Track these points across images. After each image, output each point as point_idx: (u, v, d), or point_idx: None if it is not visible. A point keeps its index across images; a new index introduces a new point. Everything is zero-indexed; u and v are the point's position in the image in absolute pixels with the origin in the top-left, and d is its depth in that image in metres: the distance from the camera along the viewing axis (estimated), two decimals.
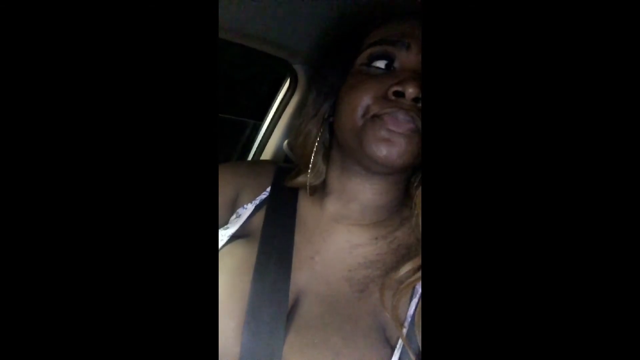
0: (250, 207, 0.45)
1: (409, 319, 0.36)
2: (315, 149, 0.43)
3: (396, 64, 0.38)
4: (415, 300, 0.36)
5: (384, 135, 0.35)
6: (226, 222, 0.45)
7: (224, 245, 0.42)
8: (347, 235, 0.42)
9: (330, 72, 0.44)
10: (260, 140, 0.81)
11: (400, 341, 0.34)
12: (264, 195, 0.46)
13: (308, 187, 0.44)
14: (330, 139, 0.44)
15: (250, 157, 0.83)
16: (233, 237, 0.43)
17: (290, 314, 0.37)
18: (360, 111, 0.37)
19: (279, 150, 0.78)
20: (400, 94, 0.36)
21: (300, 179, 0.44)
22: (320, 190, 0.45)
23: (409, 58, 0.38)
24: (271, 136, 0.79)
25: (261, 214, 0.44)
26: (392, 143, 0.35)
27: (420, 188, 0.38)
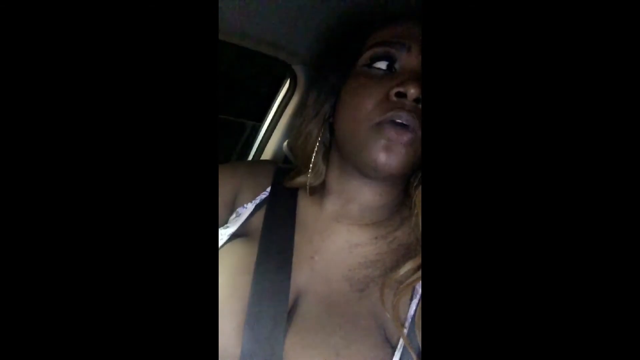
0: (250, 207, 0.45)
1: (409, 319, 0.36)
2: (316, 150, 0.43)
3: (397, 65, 0.39)
4: (415, 300, 0.36)
5: (384, 144, 0.36)
6: (226, 222, 0.45)
7: (223, 244, 0.42)
8: (346, 235, 0.42)
9: (332, 72, 0.44)
10: (260, 141, 0.81)
11: (401, 341, 0.34)
12: (263, 195, 0.46)
13: (308, 188, 0.44)
14: (330, 140, 0.44)
15: (249, 158, 0.83)
16: (233, 236, 0.43)
17: (290, 314, 0.37)
18: (362, 115, 0.37)
19: (278, 151, 0.78)
20: (402, 95, 0.36)
21: (300, 179, 0.44)
22: (319, 191, 0.45)
23: (409, 59, 0.38)
24: (271, 137, 0.79)
25: (261, 214, 0.45)
26: (392, 152, 0.36)
27: (420, 188, 0.38)
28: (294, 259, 0.41)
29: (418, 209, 0.38)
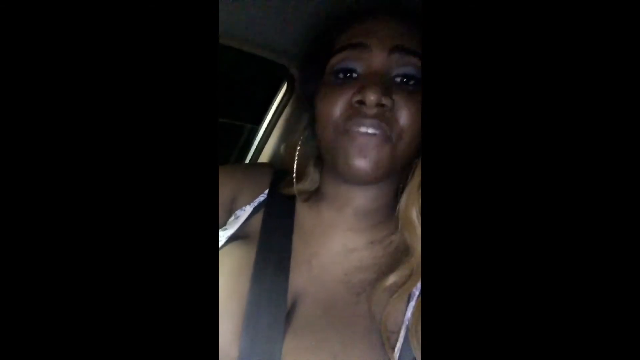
0: (248, 209, 0.45)
1: (405, 322, 0.36)
2: (297, 160, 0.43)
3: (359, 69, 0.38)
4: (412, 304, 0.36)
5: (354, 151, 0.36)
6: (224, 224, 0.45)
7: (222, 246, 0.43)
8: (343, 240, 0.42)
9: (306, 81, 0.43)
10: (258, 144, 0.81)
11: (398, 344, 0.35)
12: (261, 197, 0.46)
13: (299, 195, 0.44)
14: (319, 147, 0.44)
15: (247, 161, 0.83)
16: (231, 238, 0.43)
17: (288, 316, 0.37)
18: (330, 125, 0.37)
19: (276, 154, 0.78)
20: (362, 102, 0.35)
21: (293, 187, 0.44)
22: (315, 196, 0.45)
23: (370, 60, 0.37)
24: (268, 140, 0.79)
25: (259, 217, 0.45)
26: (364, 157, 0.35)
27: (404, 193, 0.38)
28: (292, 262, 0.41)
29: (402, 221, 0.38)
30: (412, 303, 0.36)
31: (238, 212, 0.46)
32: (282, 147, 0.51)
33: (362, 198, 0.41)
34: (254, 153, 0.82)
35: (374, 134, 0.35)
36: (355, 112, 0.36)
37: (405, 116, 0.36)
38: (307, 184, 0.45)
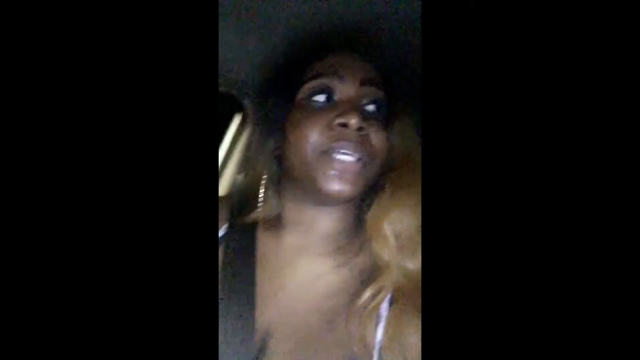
0: None
1: (377, 346, 0.35)
2: (263, 185, 0.43)
3: (336, 97, 0.40)
4: (381, 325, 0.36)
5: (334, 173, 0.37)
6: None
7: None
8: (309, 266, 0.41)
9: (274, 107, 0.44)
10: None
11: None
12: (220, 233, 0.45)
13: (261, 223, 0.44)
14: (279, 173, 0.45)
15: None
16: None
17: (258, 356, 0.35)
18: (308, 147, 0.38)
19: (232, 185, 0.77)
20: (344, 125, 0.38)
21: (253, 215, 0.44)
22: (276, 224, 0.44)
23: (346, 89, 0.40)
24: (224, 171, 0.78)
25: (219, 253, 0.43)
26: (342, 180, 0.37)
27: (371, 212, 0.40)
28: (258, 298, 0.39)
29: (370, 235, 0.39)
30: (382, 324, 0.36)
31: None
32: (241, 177, 0.50)
33: (327, 220, 0.42)
34: None
35: (353, 156, 0.38)
36: (336, 134, 0.38)
37: (376, 141, 0.39)
38: (269, 210, 0.44)
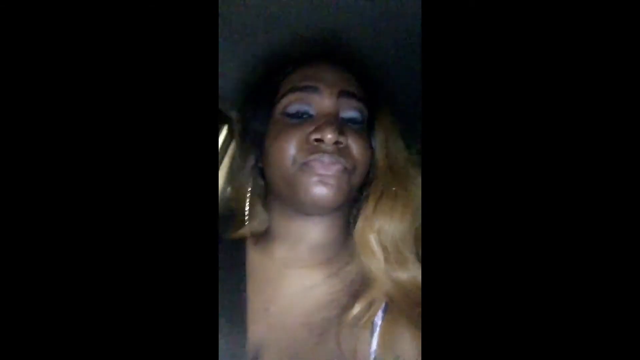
0: None
1: (372, 356, 0.35)
2: (248, 200, 0.43)
3: (312, 110, 0.40)
4: (375, 335, 0.36)
5: (316, 180, 0.37)
6: None
7: None
8: (299, 279, 0.41)
9: (253, 121, 0.44)
10: None
11: None
12: None
13: (251, 237, 0.43)
14: (266, 185, 0.44)
15: None
16: None
17: None
18: (288, 161, 0.38)
19: (220, 199, 0.76)
20: (320, 140, 0.37)
21: (242, 230, 0.43)
22: (265, 237, 0.44)
23: (322, 102, 0.39)
24: None
25: None
26: (325, 185, 0.37)
27: (358, 222, 0.39)
28: (249, 312, 0.39)
29: (359, 248, 0.38)
30: (376, 334, 0.36)
31: None
32: (229, 190, 0.50)
33: (316, 231, 0.41)
34: None
35: (334, 163, 0.37)
36: (314, 148, 0.37)
37: (356, 152, 0.39)
38: (257, 225, 0.44)
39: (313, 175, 0.37)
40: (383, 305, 0.37)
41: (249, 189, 0.43)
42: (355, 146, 0.39)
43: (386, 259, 0.37)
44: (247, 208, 0.43)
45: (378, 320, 0.37)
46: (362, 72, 0.44)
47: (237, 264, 0.43)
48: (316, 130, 0.37)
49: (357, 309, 0.36)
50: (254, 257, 0.43)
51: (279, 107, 0.41)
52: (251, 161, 0.44)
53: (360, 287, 0.39)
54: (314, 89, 0.40)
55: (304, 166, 0.37)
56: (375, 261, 0.37)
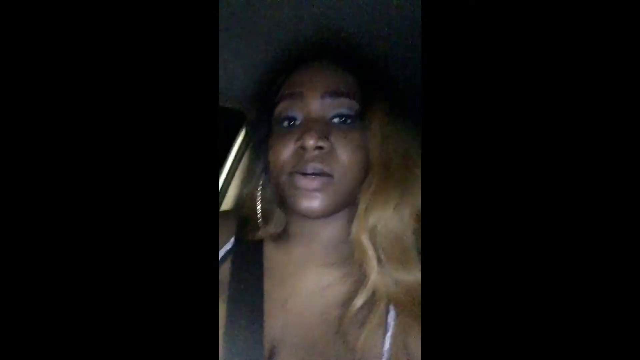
0: None
1: (385, 355, 0.35)
2: (259, 204, 0.44)
3: (299, 116, 0.40)
4: (389, 334, 0.36)
5: (300, 192, 0.37)
6: None
7: None
8: (315, 277, 0.41)
9: (258, 127, 0.45)
10: (219, 191, 0.80)
11: None
12: (227, 246, 0.45)
13: (269, 237, 0.44)
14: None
15: None
16: None
17: None
18: (279, 170, 0.39)
19: (239, 200, 0.77)
20: (303, 148, 0.38)
21: (260, 232, 0.44)
22: (283, 237, 0.45)
23: (307, 106, 0.40)
24: (230, 185, 0.78)
25: (226, 266, 0.43)
26: (309, 198, 0.37)
27: (354, 222, 0.39)
28: (266, 309, 0.39)
29: (355, 240, 0.39)
30: (389, 334, 0.36)
31: None
32: (245, 193, 0.51)
33: (328, 232, 0.42)
34: None
35: (317, 175, 0.37)
36: (298, 157, 0.38)
37: (344, 154, 0.38)
38: (273, 227, 0.44)
39: (297, 188, 0.38)
40: (388, 305, 0.37)
41: (259, 194, 0.44)
42: (342, 149, 0.38)
43: (386, 260, 0.37)
44: (259, 212, 0.44)
45: (391, 320, 0.37)
46: (357, 68, 0.43)
47: (254, 260, 0.44)
48: (298, 138, 0.38)
49: (358, 303, 0.37)
50: (273, 255, 0.44)
51: (275, 115, 0.42)
52: (260, 166, 0.45)
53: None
54: (298, 95, 0.40)
55: (290, 177, 0.38)
56: (368, 261, 0.37)
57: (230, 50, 0.49)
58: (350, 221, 0.41)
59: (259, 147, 0.45)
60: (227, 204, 0.79)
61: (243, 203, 0.46)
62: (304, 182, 0.37)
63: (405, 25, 0.43)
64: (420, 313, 0.34)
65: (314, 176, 0.37)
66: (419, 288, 0.36)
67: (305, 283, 0.41)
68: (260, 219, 0.44)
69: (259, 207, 0.44)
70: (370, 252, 0.37)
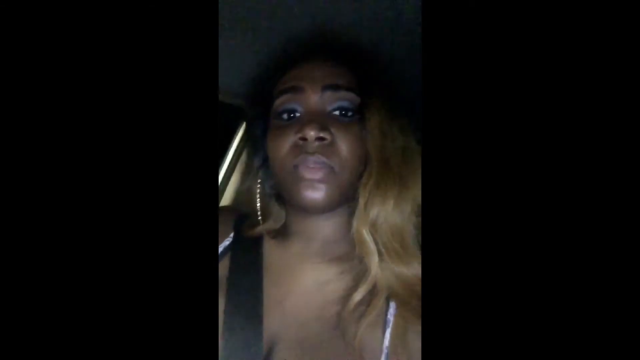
0: None
1: (384, 351, 0.35)
2: (259, 200, 0.44)
3: (299, 109, 0.40)
4: (388, 331, 0.36)
5: (305, 184, 0.37)
6: None
7: None
8: (313, 274, 0.41)
9: (256, 122, 0.45)
10: (219, 186, 0.80)
11: None
12: (226, 242, 0.45)
13: (267, 233, 0.44)
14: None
15: None
16: None
17: None
18: (281, 164, 0.39)
19: (238, 195, 0.77)
20: (304, 139, 0.38)
21: (259, 228, 0.44)
22: (282, 233, 0.45)
23: (307, 101, 0.40)
24: (230, 181, 0.78)
25: (225, 262, 0.43)
26: (314, 189, 0.37)
27: (355, 217, 0.39)
28: (265, 305, 0.39)
29: (356, 234, 0.38)
30: (389, 329, 0.36)
31: None
32: (244, 188, 0.51)
33: (327, 228, 0.42)
34: None
35: (319, 167, 0.37)
36: (299, 149, 0.38)
37: (344, 147, 0.38)
38: (273, 223, 0.44)
39: (302, 180, 0.37)
40: (387, 300, 0.37)
41: (258, 189, 0.44)
42: (343, 142, 0.38)
43: (387, 254, 0.37)
44: (258, 208, 0.44)
45: (390, 316, 0.37)
46: (356, 63, 0.43)
47: (253, 257, 0.43)
48: (299, 130, 0.38)
49: (356, 298, 0.37)
50: (271, 251, 0.44)
51: (274, 109, 0.42)
52: (258, 162, 0.45)
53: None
54: (299, 89, 0.40)
55: (294, 169, 0.38)
56: (369, 255, 0.37)
57: (229, 45, 0.49)
58: (349, 217, 0.41)
59: (257, 142, 0.45)
60: (226, 199, 0.79)
61: (242, 199, 0.46)
62: (308, 173, 0.37)
63: (405, 20, 0.42)
64: (421, 308, 0.34)
65: (316, 169, 0.37)
66: (419, 282, 0.37)
67: (304, 279, 0.41)
68: (260, 215, 0.44)
69: (258, 202, 0.44)
70: (372, 247, 0.37)
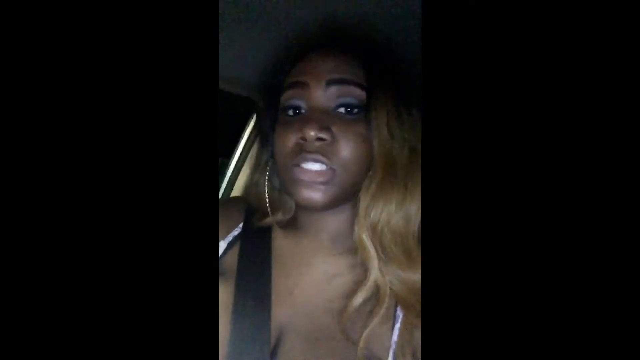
0: (222, 246, 0.44)
1: (393, 345, 0.35)
2: (267, 192, 0.44)
3: (303, 105, 0.39)
4: (397, 326, 0.36)
5: (302, 184, 0.37)
6: None
7: None
8: (323, 267, 0.41)
9: (266, 116, 0.45)
10: (230, 178, 0.80)
11: None
12: (236, 232, 0.46)
13: (276, 224, 0.44)
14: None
15: (219, 195, 0.82)
16: None
17: (273, 354, 0.36)
18: (283, 161, 0.39)
19: (248, 185, 0.78)
20: (304, 139, 0.37)
21: (268, 219, 0.44)
22: (292, 224, 0.45)
23: (311, 97, 0.39)
24: (240, 172, 0.79)
25: (234, 251, 0.44)
26: (312, 190, 0.37)
27: (356, 219, 0.38)
28: (273, 295, 0.40)
29: (357, 237, 0.38)
30: (397, 325, 0.36)
31: None
32: (253, 180, 0.51)
33: (335, 222, 0.42)
34: (226, 187, 0.81)
35: (318, 168, 0.37)
36: (300, 148, 0.37)
37: (345, 147, 0.37)
38: (282, 214, 0.44)
39: (300, 180, 0.37)
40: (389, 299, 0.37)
41: (267, 181, 0.44)
42: (344, 141, 0.37)
43: (389, 259, 0.36)
44: (267, 199, 0.44)
45: (400, 312, 0.37)
46: (364, 56, 0.41)
47: (263, 247, 0.44)
48: (300, 129, 0.37)
49: (362, 295, 0.37)
50: (281, 242, 0.44)
51: (281, 104, 0.41)
52: (266, 156, 0.44)
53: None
54: (303, 84, 0.39)
55: (294, 168, 0.38)
56: (369, 258, 0.37)
57: (239, 37, 0.49)
58: (354, 215, 0.40)
59: (266, 135, 0.45)
60: (237, 190, 0.79)
61: (252, 189, 0.46)
62: (306, 176, 0.37)
63: (413, 12, 0.41)
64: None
65: (315, 169, 0.37)
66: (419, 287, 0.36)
67: (313, 272, 0.41)
68: (269, 206, 0.44)
69: (266, 194, 0.44)
70: (372, 252, 0.37)
